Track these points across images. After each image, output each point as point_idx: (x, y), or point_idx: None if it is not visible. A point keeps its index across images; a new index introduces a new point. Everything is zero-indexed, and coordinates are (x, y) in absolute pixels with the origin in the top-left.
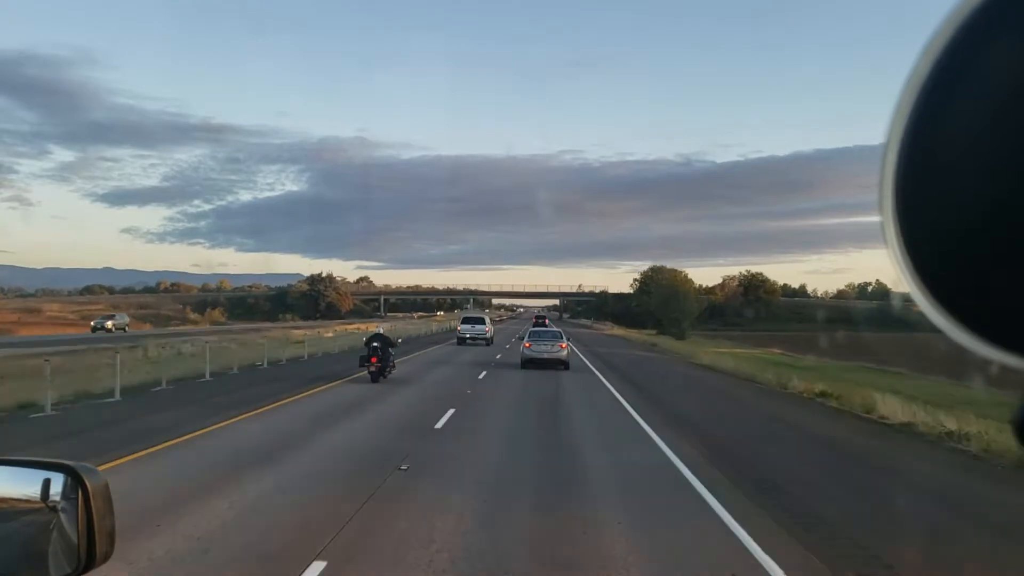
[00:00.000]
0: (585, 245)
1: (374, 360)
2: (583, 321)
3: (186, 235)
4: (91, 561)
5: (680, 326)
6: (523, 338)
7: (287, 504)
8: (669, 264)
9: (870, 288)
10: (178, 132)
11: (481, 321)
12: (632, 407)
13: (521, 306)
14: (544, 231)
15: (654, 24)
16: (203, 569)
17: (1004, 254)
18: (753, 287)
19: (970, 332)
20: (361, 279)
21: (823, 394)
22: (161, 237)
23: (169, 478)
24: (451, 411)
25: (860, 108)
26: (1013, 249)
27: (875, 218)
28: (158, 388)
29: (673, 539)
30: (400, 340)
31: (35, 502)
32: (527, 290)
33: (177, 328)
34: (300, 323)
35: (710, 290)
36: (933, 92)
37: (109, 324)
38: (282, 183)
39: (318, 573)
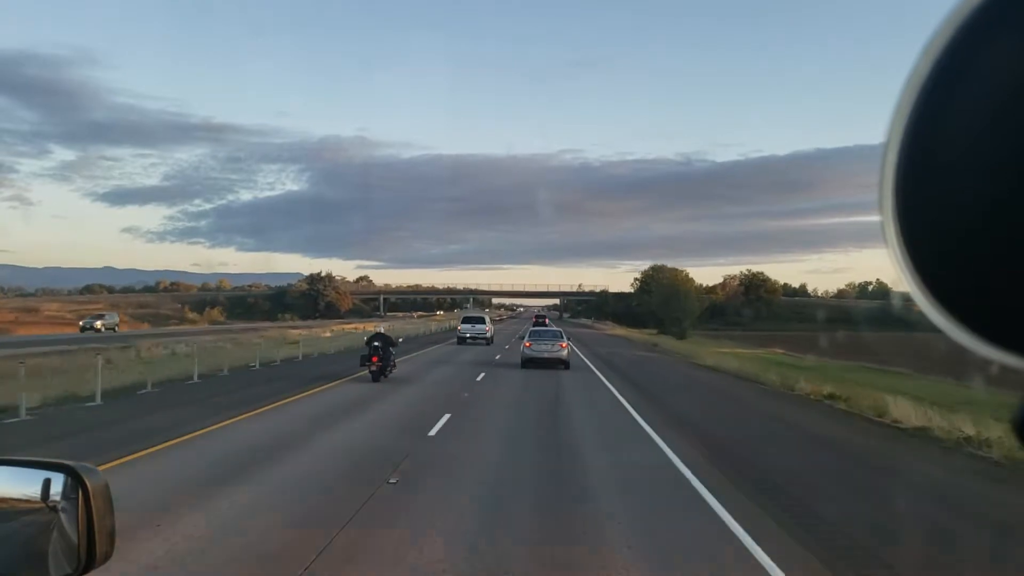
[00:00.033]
0: (585, 244)
1: (375, 359)
2: (583, 321)
3: (186, 234)
4: (91, 561)
5: (681, 326)
6: (523, 338)
7: (261, 528)
8: (669, 263)
9: (871, 288)
10: (179, 131)
11: (481, 321)
12: (639, 414)
13: (521, 306)
14: (544, 230)
15: (654, 24)
16: None
17: (1004, 254)
18: (754, 286)
19: (970, 332)
20: (361, 278)
21: (831, 396)
22: (161, 236)
23: (133, 494)
24: (447, 416)
25: (860, 108)
26: (1013, 249)
27: (875, 218)
28: (143, 391)
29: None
30: (401, 340)
31: (35, 502)
32: (527, 289)
33: (174, 328)
34: (299, 323)
35: (711, 289)
36: (933, 92)
37: (98, 324)
38: (282, 182)
39: None
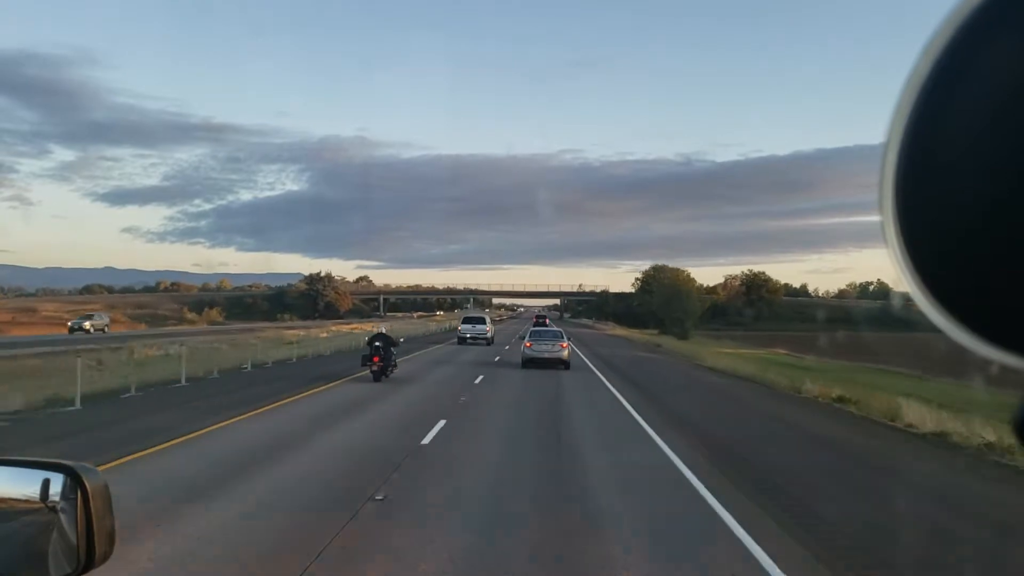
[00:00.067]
0: (585, 244)
1: (376, 359)
2: (584, 321)
3: (187, 235)
4: (91, 561)
5: (683, 326)
6: (523, 338)
7: (226, 555)
8: (669, 263)
9: (871, 288)
10: (179, 131)
11: (482, 321)
12: (647, 422)
13: (521, 306)
14: (544, 230)
15: (654, 24)
16: None
17: (1004, 254)
18: (755, 286)
19: (970, 332)
20: (360, 278)
21: (841, 399)
22: (162, 237)
23: None
24: (441, 423)
25: (860, 108)
26: (1013, 249)
27: (875, 218)
28: (127, 395)
29: None
30: (402, 340)
31: (35, 502)
32: (527, 290)
33: (170, 328)
34: (297, 323)
35: (711, 289)
36: (933, 92)
37: (87, 325)
38: (282, 183)
39: None
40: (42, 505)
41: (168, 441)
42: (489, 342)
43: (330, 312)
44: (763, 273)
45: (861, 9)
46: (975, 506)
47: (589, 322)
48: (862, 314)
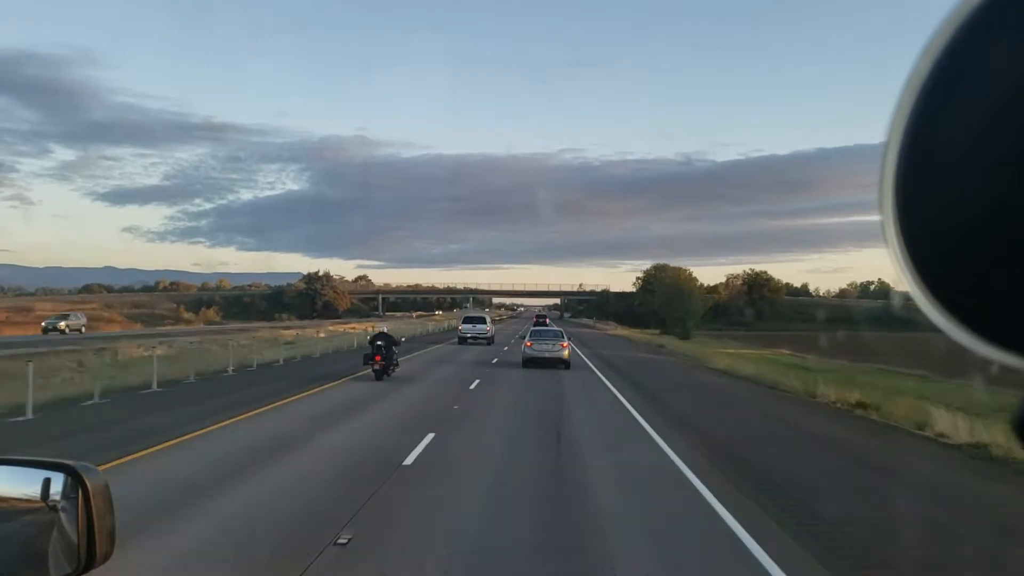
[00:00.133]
0: (586, 244)
1: (378, 358)
2: (585, 320)
3: (187, 234)
4: (91, 561)
5: (685, 326)
6: (524, 337)
7: None
8: (670, 263)
9: (872, 287)
10: (179, 131)
11: (482, 321)
12: (656, 432)
13: (522, 305)
14: (544, 230)
15: (654, 24)
16: None
17: (1004, 254)
18: (757, 286)
19: (970, 332)
20: (359, 278)
21: (860, 404)
22: (162, 236)
23: None
24: (430, 436)
25: (860, 108)
26: (1013, 249)
27: (875, 217)
28: (88, 402)
29: None
30: (403, 339)
31: (35, 502)
32: (527, 289)
33: (163, 328)
34: (295, 322)
35: (712, 289)
36: (933, 92)
37: (62, 324)
38: (283, 182)
39: None
40: (43, 504)
41: (111, 461)
42: (490, 342)
43: (328, 312)
44: (765, 272)
45: (861, 9)
46: None
47: (590, 322)
48: (863, 314)
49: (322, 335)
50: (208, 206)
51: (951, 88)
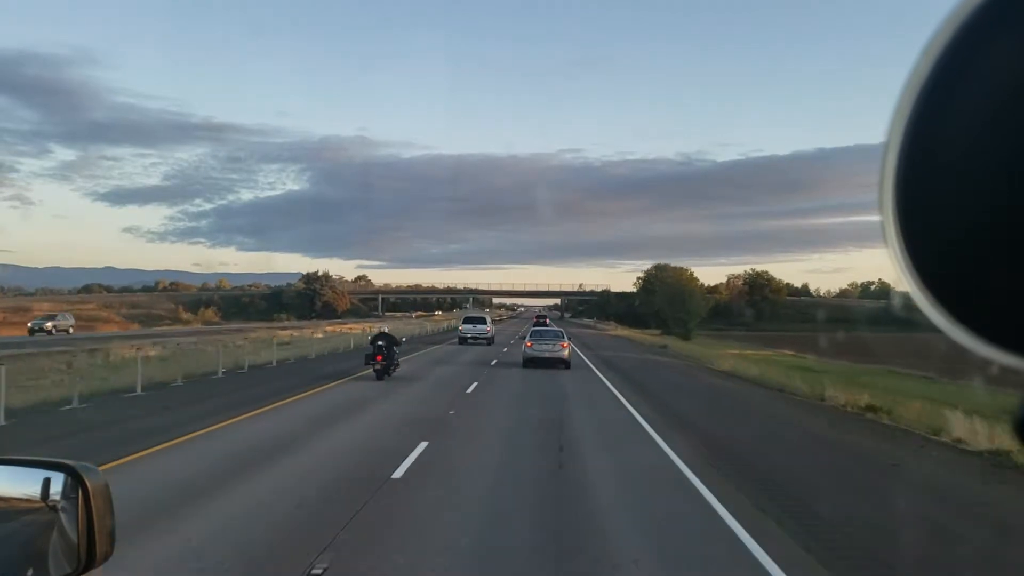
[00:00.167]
0: (586, 244)
1: (379, 358)
2: (585, 321)
3: (187, 234)
4: (91, 561)
5: (686, 326)
6: (524, 338)
7: None
8: (670, 263)
9: (873, 287)
10: (179, 131)
11: (483, 321)
12: (670, 445)
13: (522, 305)
14: (545, 230)
15: (654, 23)
16: None
17: (1004, 254)
18: (758, 286)
19: (970, 332)
20: (359, 278)
21: (870, 408)
22: (162, 236)
23: None
24: (423, 444)
25: (860, 108)
26: (1013, 249)
27: (875, 217)
28: (67, 407)
29: None
30: (404, 339)
31: (35, 502)
32: (528, 289)
33: (161, 328)
34: (293, 323)
35: (713, 289)
36: (933, 92)
37: (48, 325)
38: (283, 182)
39: None
40: (43, 504)
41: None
42: (490, 342)
43: (327, 312)
44: (766, 272)
45: (861, 9)
46: None
47: (590, 322)
48: (865, 314)
49: (319, 336)
50: (208, 206)
51: (951, 88)
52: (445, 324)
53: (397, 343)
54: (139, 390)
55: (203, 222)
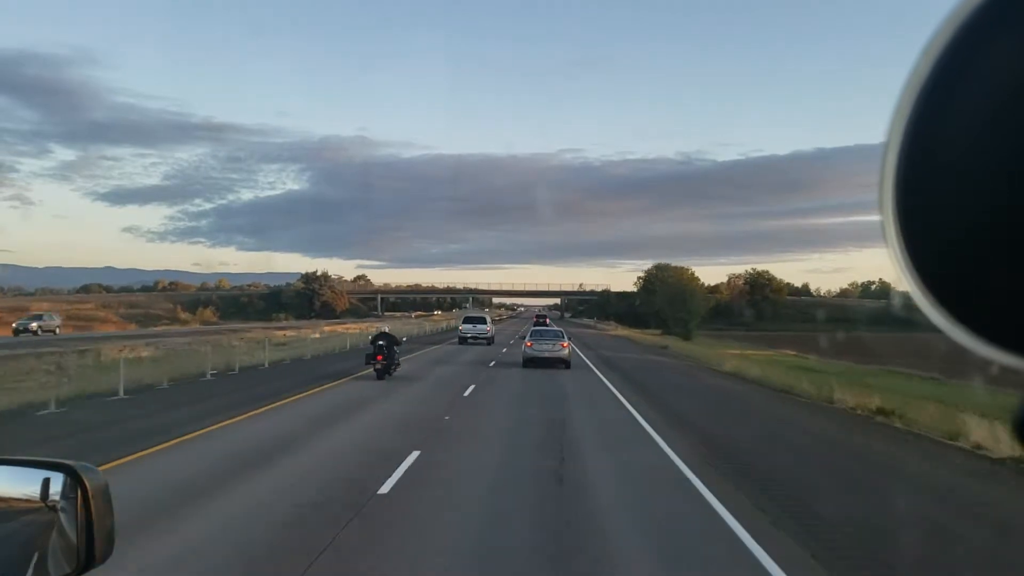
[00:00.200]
0: (586, 244)
1: (380, 357)
2: (586, 321)
3: (187, 234)
4: (91, 561)
5: (686, 326)
6: (524, 337)
7: None
8: (670, 263)
9: (873, 287)
10: (179, 131)
11: (483, 321)
12: (670, 445)
13: (522, 305)
14: (545, 230)
15: (654, 23)
16: None
17: (1004, 254)
18: (759, 286)
19: (970, 332)
20: (358, 278)
21: (881, 411)
22: (162, 236)
23: None
24: (415, 454)
25: (860, 108)
26: (1013, 249)
27: (875, 217)
28: (43, 412)
29: None
30: (405, 339)
31: (35, 502)
32: (528, 289)
33: (158, 328)
34: (291, 323)
35: (714, 288)
36: (933, 92)
37: (34, 326)
38: (283, 182)
39: None
40: (42, 504)
41: None
42: (490, 342)
43: (326, 312)
44: (767, 272)
45: (861, 9)
46: None
47: (591, 322)
48: (865, 314)
49: (315, 336)
50: (208, 206)
51: (951, 88)
52: (444, 324)
53: (398, 343)
54: (121, 393)
55: (203, 222)
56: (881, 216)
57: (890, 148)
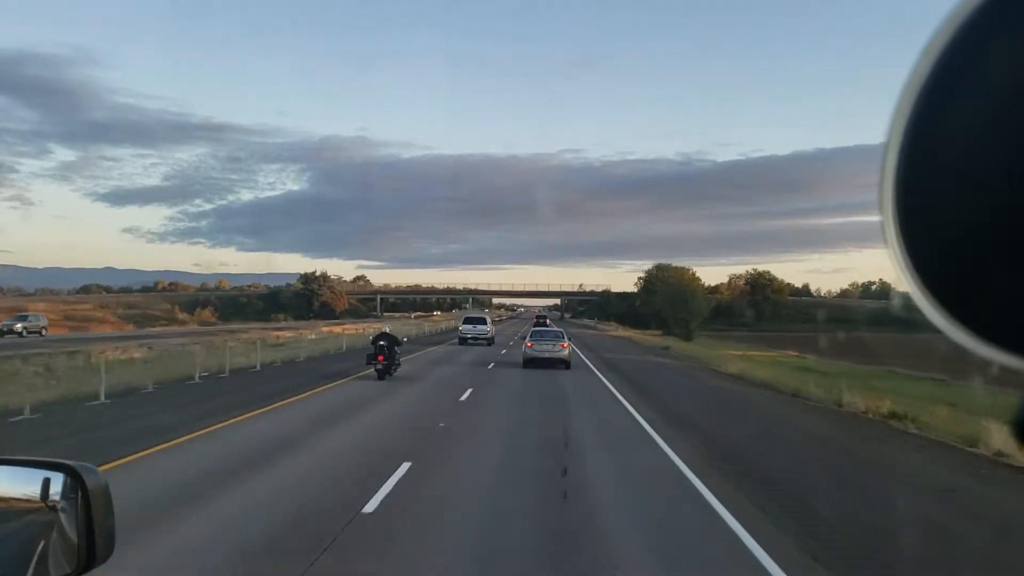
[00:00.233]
0: (586, 244)
1: (380, 358)
2: (586, 321)
3: (187, 235)
4: (91, 561)
5: (687, 327)
6: (524, 338)
7: None
8: (671, 263)
9: (873, 287)
10: (179, 131)
11: (483, 321)
12: (671, 448)
13: (522, 306)
14: (545, 230)
15: (654, 23)
16: None
17: (1004, 254)
18: (760, 286)
19: (970, 332)
20: (358, 278)
21: (893, 415)
22: (162, 237)
23: None
24: (405, 466)
25: (860, 108)
26: (1013, 249)
27: (875, 217)
28: (16, 418)
29: None
30: (405, 339)
31: (35, 502)
32: (528, 289)
33: (153, 329)
34: (290, 323)
35: (714, 289)
36: (933, 92)
37: (18, 327)
38: (283, 182)
39: None
40: (42, 505)
41: None
42: (490, 342)
43: (325, 312)
44: (768, 272)
45: (861, 9)
46: None
47: (591, 322)
48: (866, 314)
49: (312, 337)
50: (208, 206)
51: (951, 88)
52: (444, 325)
53: (398, 343)
54: (102, 397)
55: (203, 222)
56: (881, 216)
57: (890, 148)
